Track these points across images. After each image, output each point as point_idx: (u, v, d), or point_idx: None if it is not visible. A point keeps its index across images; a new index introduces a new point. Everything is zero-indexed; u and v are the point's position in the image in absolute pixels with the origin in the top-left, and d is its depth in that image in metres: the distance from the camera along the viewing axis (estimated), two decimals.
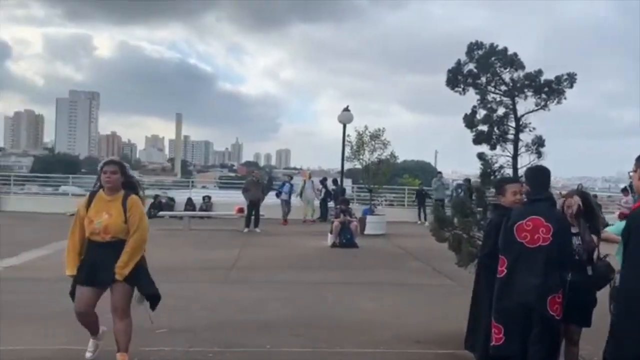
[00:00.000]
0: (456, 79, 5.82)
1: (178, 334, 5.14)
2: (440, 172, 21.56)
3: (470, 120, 5.72)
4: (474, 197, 6.01)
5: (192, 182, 26.61)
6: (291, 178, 19.69)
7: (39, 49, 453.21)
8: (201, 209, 18.22)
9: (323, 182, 18.91)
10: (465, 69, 5.77)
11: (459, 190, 15.86)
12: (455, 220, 5.62)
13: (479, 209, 5.74)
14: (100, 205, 3.97)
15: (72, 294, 4.07)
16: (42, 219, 15.30)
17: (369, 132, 14.95)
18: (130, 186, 4.11)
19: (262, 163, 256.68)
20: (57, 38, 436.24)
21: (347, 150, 15.78)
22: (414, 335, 5.41)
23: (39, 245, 10.55)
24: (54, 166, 78.03)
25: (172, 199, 19.01)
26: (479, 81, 5.80)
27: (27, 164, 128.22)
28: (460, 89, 5.84)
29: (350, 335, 5.36)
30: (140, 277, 4.03)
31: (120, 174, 4.01)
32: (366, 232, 13.96)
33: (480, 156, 5.71)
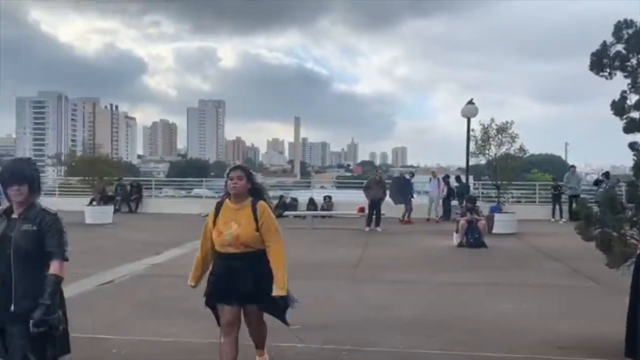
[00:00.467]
0: (601, 62, 5.31)
1: (311, 330, 5.22)
2: (573, 166, 19.98)
3: (619, 107, 5.18)
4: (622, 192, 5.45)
5: (311, 182, 27.27)
6: (412, 175, 19.37)
7: (170, 63, 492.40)
8: (322, 209, 18.58)
9: (445, 179, 18.38)
10: (612, 50, 5.25)
11: (605, 185, 14.46)
12: (605, 217, 5.13)
13: (630, 204, 5.20)
14: (228, 215, 3.69)
15: (211, 307, 3.83)
16: (178, 220, 16.57)
17: (496, 125, 14.21)
18: (257, 192, 3.82)
19: (377, 162, 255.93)
20: (185, 52, 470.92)
21: (471, 145, 15.16)
22: (556, 341, 5.02)
23: (177, 244, 11.41)
24: (186, 171, 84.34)
25: (295, 199, 19.61)
26: (628, 63, 5.24)
27: (163, 170, 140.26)
28: (606, 74, 5.32)
29: (488, 339, 5.10)
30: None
31: (247, 179, 3.72)
32: (494, 231, 13.29)
33: (633, 146, 5.15)
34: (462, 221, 11.80)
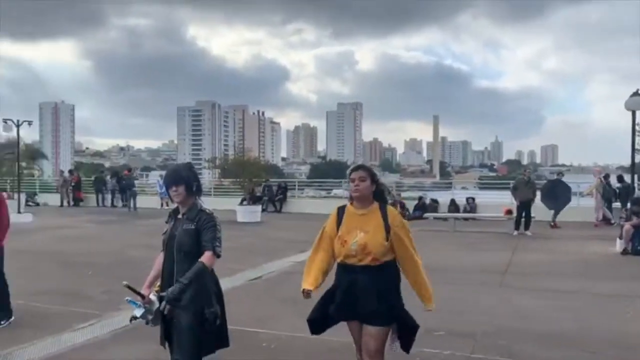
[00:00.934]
0: None
1: (457, 338, 5.01)
2: None
3: None
4: None
5: (451, 183, 26.41)
6: (561, 175, 17.85)
7: (312, 69, 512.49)
8: (465, 210, 17.89)
9: (605, 179, 16.62)
10: None
11: None
12: None
13: None
14: (351, 221, 3.22)
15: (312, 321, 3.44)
16: (319, 219, 16.99)
17: None
18: (380, 195, 3.34)
19: (524, 161, 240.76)
20: (325, 57, 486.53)
21: (638, 140, 13.51)
22: None
23: None
24: (326, 172, 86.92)
25: (435, 201, 19.14)
26: None
27: (305, 171, 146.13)
28: None
29: None
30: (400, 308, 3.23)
31: (370, 180, 3.25)
32: None
33: None
34: (627, 226, 10.55)
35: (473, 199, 18.60)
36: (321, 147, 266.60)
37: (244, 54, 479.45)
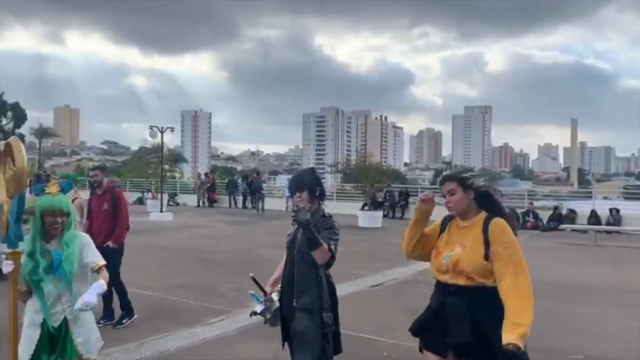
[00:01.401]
0: None
1: None
2: None
3: None
4: None
5: (591, 192, 24.20)
6: None
7: (437, 72, 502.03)
8: (608, 223, 16.27)
9: None
10: None
11: None
12: None
13: None
14: (453, 234, 2.78)
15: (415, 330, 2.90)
16: None
17: None
18: (485, 201, 2.72)
19: None
20: (452, 60, 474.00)
21: None
22: None
23: None
24: None
25: (573, 211, 17.66)
26: None
27: (428, 177, 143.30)
28: None
29: None
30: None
31: (463, 190, 2.69)
32: None
33: None
34: None
35: (617, 210, 16.88)
36: (446, 152, 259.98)
37: (368, 60, 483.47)
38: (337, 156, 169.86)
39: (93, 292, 2.77)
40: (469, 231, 2.70)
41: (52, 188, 2.89)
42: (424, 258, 2.89)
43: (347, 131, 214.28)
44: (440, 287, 2.74)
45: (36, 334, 2.81)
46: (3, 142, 2.95)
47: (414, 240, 2.88)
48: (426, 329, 2.78)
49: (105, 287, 2.84)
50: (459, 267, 2.63)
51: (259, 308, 3.23)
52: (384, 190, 20.69)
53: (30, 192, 3.20)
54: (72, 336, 2.85)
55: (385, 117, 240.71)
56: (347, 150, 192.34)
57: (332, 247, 3.03)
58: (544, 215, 17.49)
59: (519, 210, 17.94)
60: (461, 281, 2.63)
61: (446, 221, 2.85)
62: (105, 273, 2.93)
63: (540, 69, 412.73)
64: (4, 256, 2.78)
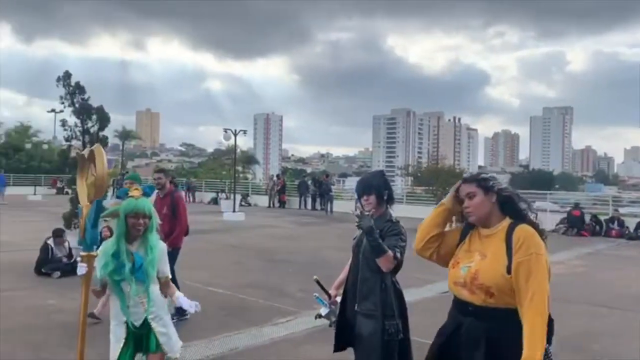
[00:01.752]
0: None
1: None
2: None
3: None
4: None
5: None
6: None
7: (514, 72, 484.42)
8: None
9: None
10: None
11: None
12: None
13: None
14: (475, 242, 2.38)
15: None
16: None
17: None
18: (510, 207, 2.33)
19: None
20: (530, 59, 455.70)
21: None
22: None
23: None
24: (529, 182, 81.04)
25: None
26: None
27: (504, 181, 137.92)
28: None
29: None
30: None
31: (484, 194, 2.33)
32: None
33: None
34: None
35: None
36: (523, 155, 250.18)
37: (440, 61, 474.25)
38: (408, 159, 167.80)
39: (184, 298, 3.03)
40: (491, 240, 2.32)
41: (135, 192, 3.02)
42: (437, 260, 2.50)
43: (419, 133, 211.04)
44: (458, 305, 2.34)
45: (123, 332, 2.96)
46: (88, 149, 3.12)
47: (429, 235, 2.47)
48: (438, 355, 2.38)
49: (196, 306, 3.09)
50: (478, 279, 2.23)
51: (323, 311, 3.22)
52: None
53: (114, 192, 3.37)
54: (156, 335, 2.98)
55: (459, 119, 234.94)
56: (418, 152, 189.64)
57: (398, 254, 2.96)
58: (631, 223, 16.36)
59: (602, 217, 16.93)
60: (480, 298, 2.22)
61: (467, 230, 2.44)
62: (171, 284, 3.12)
63: (628, 67, 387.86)
64: (79, 259, 2.93)
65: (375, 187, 3.15)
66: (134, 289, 2.92)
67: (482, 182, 2.35)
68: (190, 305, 2.99)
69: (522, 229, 2.24)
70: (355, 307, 3.05)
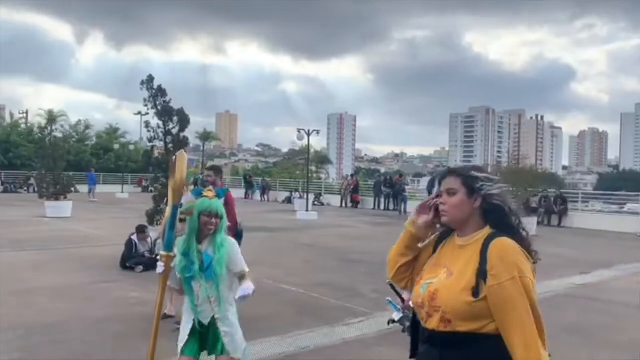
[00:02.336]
0: None
1: None
2: None
3: None
4: None
5: None
6: None
7: (602, 67, 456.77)
8: None
9: None
10: None
11: None
12: None
13: None
14: (445, 254, 1.93)
15: None
16: (607, 238, 14.89)
17: None
18: (494, 217, 1.86)
19: None
20: (620, 53, 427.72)
21: None
22: None
23: (607, 265, 10.21)
24: (619, 183, 76.07)
25: None
26: None
27: (591, 181, 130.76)
28: None
29: None
30: None
31: (467, 194, 1.86)
32: None
33: None
34: None
35: None
36: (612, 154, 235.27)
37: (522, 56, 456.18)
38: (487, 158, 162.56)
39: (248, 288, 2.99)
40: (463, 253, 1.85)
41: (209, 193, 3.15)
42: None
43: (499, 132, 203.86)
44: (425, 335, 1.89)
45: (189, 326, 3.06)
46: (175, 155, 3.27)
47: (397, 265, 2.05)
48: None
49: (253, 287, 3.03)
50: (435, 301, 1.81)
51: (396, 316, 3.13)
52: (539, 195, 19.25)
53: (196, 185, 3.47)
54: (221, 335, 3.04)
55: (542, 117, 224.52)
56: (498, 152, 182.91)
57: None
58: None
59: None
60: (434, 322, 1.81)
61: (443, 238, 1.98)
62: (249, 279, 3.13)
63: None
64: (159, 257, 3.06)
65: None
66: (203, 287, 3.00)
67: (469, 179, 1.88)
68: (246, 293, 2.98)
69: (501, 242, 1.76)
70: None
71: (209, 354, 3.13)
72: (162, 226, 3.12)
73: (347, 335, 5.45)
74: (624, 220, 18.07)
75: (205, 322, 3.04)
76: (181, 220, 3.23)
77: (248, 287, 3.01)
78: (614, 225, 17.25)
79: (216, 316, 3.04)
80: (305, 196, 21.82)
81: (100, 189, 29.95)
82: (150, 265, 7.97)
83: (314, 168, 35.60)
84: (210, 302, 3.02)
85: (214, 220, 3.04)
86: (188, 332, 3.06)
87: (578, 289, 8.21)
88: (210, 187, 3.35)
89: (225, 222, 3.14)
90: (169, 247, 3.03)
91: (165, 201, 9.32)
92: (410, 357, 3.07)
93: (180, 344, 3.05)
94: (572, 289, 8.14)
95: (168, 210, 3.14)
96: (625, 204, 25.36)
